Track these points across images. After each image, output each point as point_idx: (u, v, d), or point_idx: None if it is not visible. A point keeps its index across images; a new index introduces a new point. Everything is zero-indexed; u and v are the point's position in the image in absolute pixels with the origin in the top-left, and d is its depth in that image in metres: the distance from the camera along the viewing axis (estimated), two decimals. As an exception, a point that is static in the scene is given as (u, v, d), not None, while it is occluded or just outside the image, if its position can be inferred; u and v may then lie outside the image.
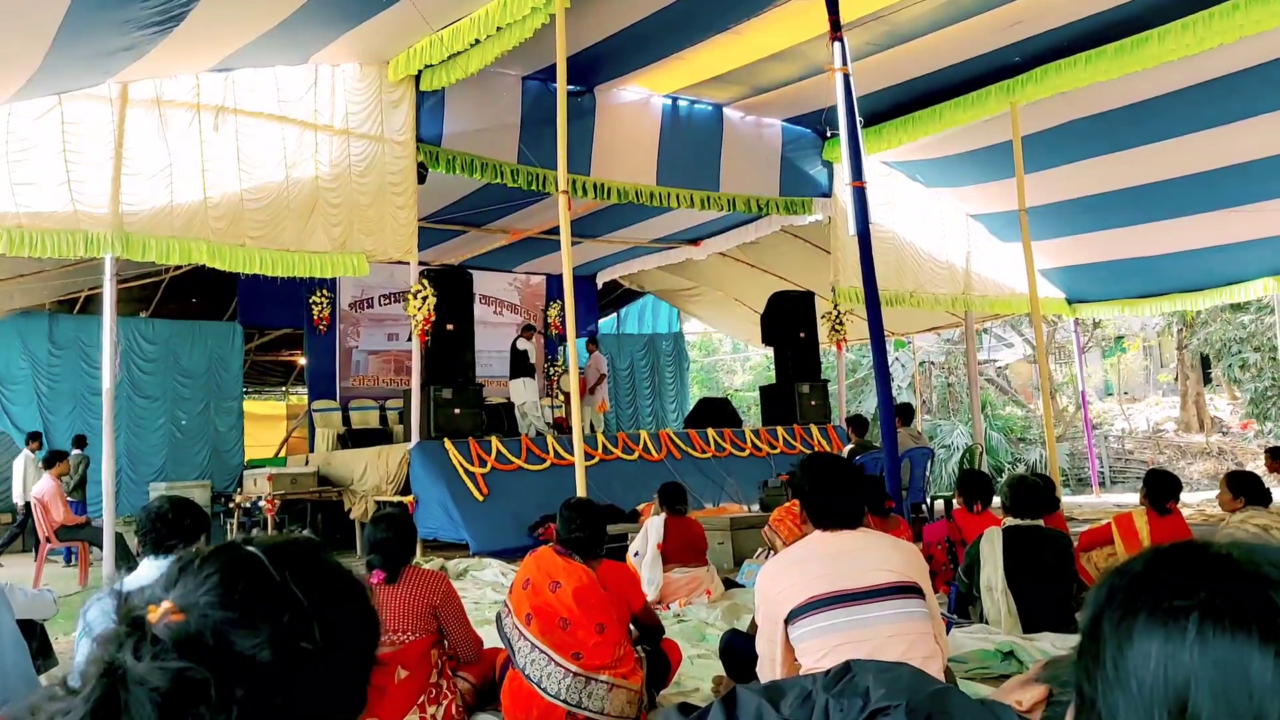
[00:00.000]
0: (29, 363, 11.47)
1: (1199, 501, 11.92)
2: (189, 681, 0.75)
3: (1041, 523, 4.65)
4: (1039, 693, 1.83)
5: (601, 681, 3.40)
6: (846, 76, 6.42)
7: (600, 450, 10.28)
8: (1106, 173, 11.14)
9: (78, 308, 12.15)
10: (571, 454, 7.33)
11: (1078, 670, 0.75)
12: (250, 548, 0.86)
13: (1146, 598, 0.71)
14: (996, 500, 5.09)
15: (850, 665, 2.07)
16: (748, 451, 11.25)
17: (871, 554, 2.79)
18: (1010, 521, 4.66)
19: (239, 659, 0.78)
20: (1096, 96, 9.89)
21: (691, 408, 14.27)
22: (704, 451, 11.03)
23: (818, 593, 2.69)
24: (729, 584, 6.62)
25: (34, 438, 10.52)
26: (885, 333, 6.60)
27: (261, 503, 9.72)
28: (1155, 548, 0.75)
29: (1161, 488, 5.20)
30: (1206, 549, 0.72)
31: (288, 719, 0.80)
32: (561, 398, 14.49)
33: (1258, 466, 12.14)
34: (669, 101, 10.94)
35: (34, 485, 8.66)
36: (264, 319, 13.71)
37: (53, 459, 8.62)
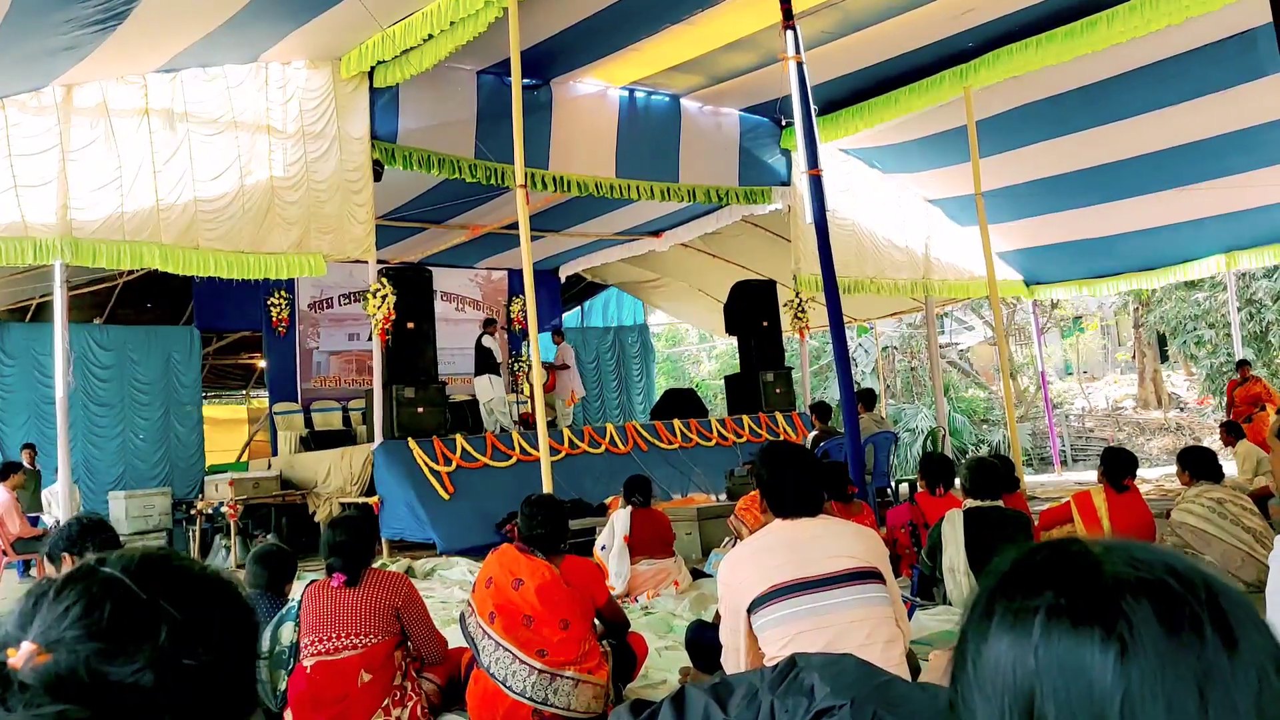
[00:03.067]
0: (-20, 373, 11.22)
1: (1158, 477, 12.14)
2: None
3: (1001, 503, 4.70)
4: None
5: (567, 678, 3.39)
6: (800, 65, 6.43)
7: (567, 445, 10.26)
8: (1060, 155, 11.28)
9: (29, 315, 11.90)
10: (538, 450, 7.30)
11: (952, 671, 0.75)
12: (106, 569, 0.79)
13: (1002, 598, 0.70)
14: (959, 483, 5.14)
15: (795, 660, 2.07)
16: (714, 441, 11.28)
17: (831, 541, 2.81)
18: (971, 503, 4.71)
19: (119, 689, 0.72)
20: (1049, 80, 10.01)
21: (658, 399, 14.29)
22: (670, 442, 11.04)
23: (779, 581, 2.71)
24: (696, 574, 6.64)
25: (26, 447, 10.42)
26: (846, 319, 6.65)
27: (224, 508, 9.59)
28: (1024, 548, 0.74)
29: (1118, 465, 5.28)
30: (1068, 548, 0.71)
31: None
32: (527, 392, 14.44)
33: (1214, 441, 12.38)
34: (626, 93, 10.91)
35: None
36: (221, 322, 13.50)
37: (6, 470, 8.45)
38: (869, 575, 2.78)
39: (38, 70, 7.41)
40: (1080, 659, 0.65)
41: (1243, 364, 12.33)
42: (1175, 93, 9.92)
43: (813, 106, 6.46)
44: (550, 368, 13.79)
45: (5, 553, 8.16)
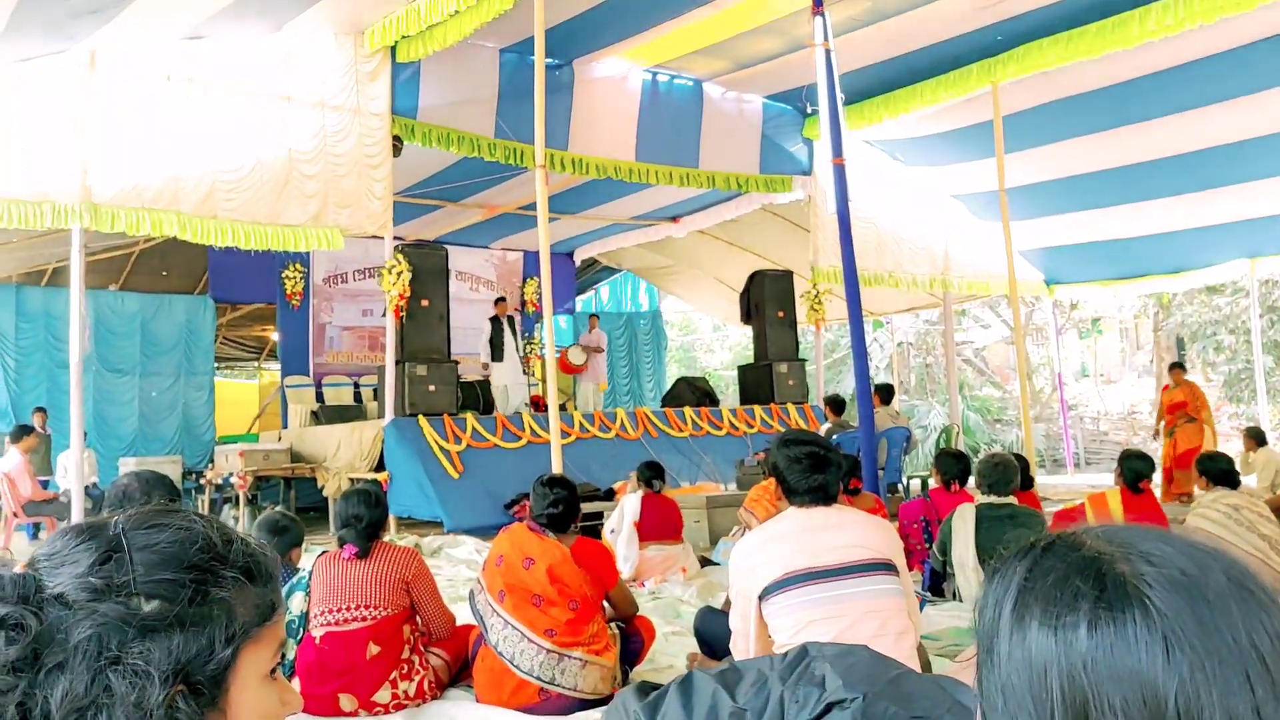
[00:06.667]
0: (-5, 335, 11.26)
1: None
2: None
3: (1014, 500, 4.66)
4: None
5: (574, 658, 3.38)
6: (828, 52, 6.35)
7: (577, 429, 10.24)
8: (1086, 153, 11.16)
9: (45, 279, 11.92)
10: (548, 432, 7.28)
11: (978, 675, 0.75)
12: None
13: (1035, 601, 0.70)
14: (973, 481, 5.09)
15: (807, 650, 2.04)
16: (725, 431, 11.24)
17: (846, 531, 2.78)
18: (983, 499, 4.67)
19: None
20: (1077, 77, 9.89)
21: (669, 387, 14.26)
22: (681, 430, 11.01)
23: (792, 569, 2.69)
24: (704, 562, 6.62)
25: (38, 411, 10.48)
26: (863, 312, 6.58)
27: (233, 479, 9.61)
28: (1033, 543, 0.75)
29: (1135, 468, 5.22)
30: (1083, 543, 0.72)
31: None
32: (539, 375, 14.43)
33: (1230, 447, 12.27)
34: (649, 77, 10.83)
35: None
36: (236, 293, 13.52)
37: (19, 433, 8.48)
38: (882, 567, 2.76)
39: (62, 33, 7.38)
40: (1130, 660, 0.64)
41: (1175, 367, 11.55)
42: (1204, 95, 9.80)
43: (839, 95, 6.39)
44: (588, 349, 13.80)
45: (16, 515, 8.20)
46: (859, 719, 1.80)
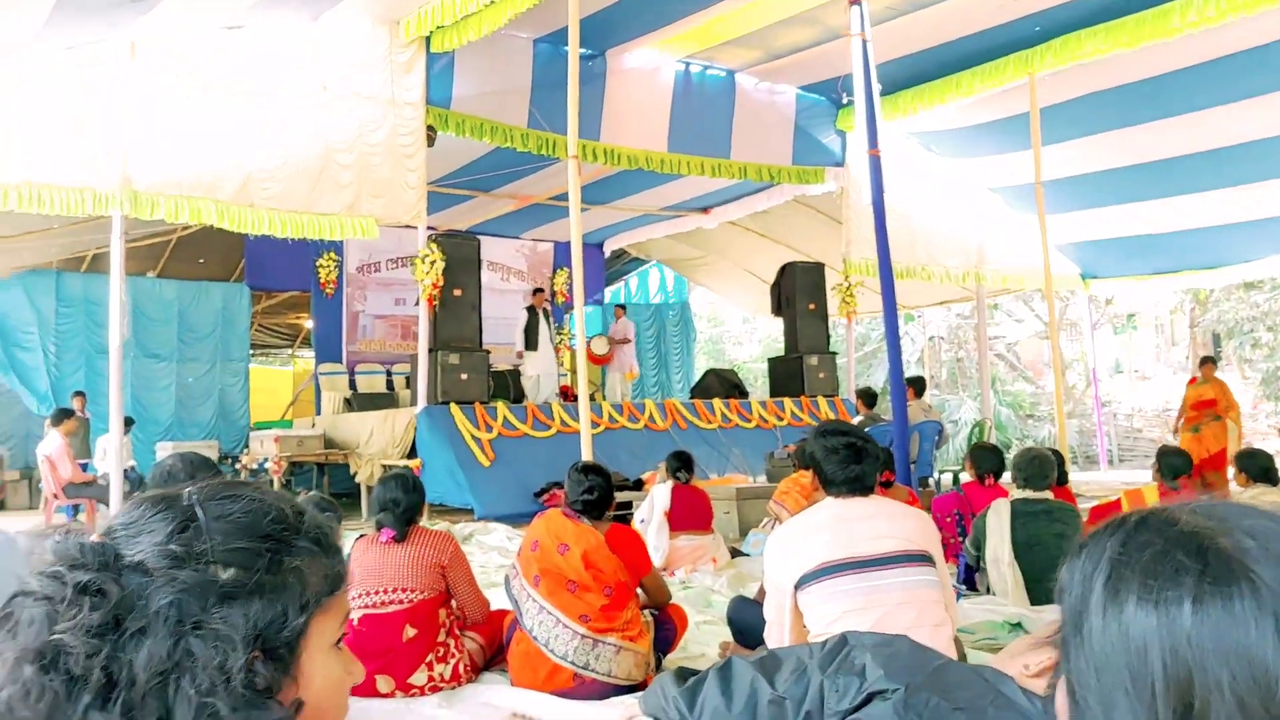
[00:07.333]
0: (36, 320, 11.45)
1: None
2: None
3: (1050, 495, 4.62)
4: (1050, 657, 1.79)
5: (609, 644, 3.40)
6: (865, 42, 6.31)
7: (606, 419, 10.26)
8: (1124, 146, 11.01)
9: (85, 266, 12.12)
10: (577, 421, 7.31)
11: (1064, 655, 0.73)
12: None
13: (1132, 578, 0.68)
14: (1008, 476, 5.06)
15: (846, 639, 2.03)
16: (754, 423, 11.22)
17: (883, 521, 2.78)
18: (1019, 493, 4.64)
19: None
20: (1116, 69, 9.75)
21: (698, 378, 14.25)
22: (710, 422, 11.00)
23: (828, 559, 2.69)
24: (734, 553, 6.62)
25: (77, 394, 10.66)
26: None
27: (268, 464, 9.74)
28: (1122, 519, 0.73)
29: (1173, 464, 5.17)
30: (1177, 519, 0.70)
31: None
32: (568, 365, 14.48)
33: (1267, 445, 12.09)
34: (681, 67, 10.82)
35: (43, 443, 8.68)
36: (271, 281, 13.67)
37: (60, 416, 8.63)
38: (919, 558, 2.75)
39: (104, 22, 7.49)
40: (1238, 636, 0.63)
41: (1206, 361, 11.26)
42: (1245, 88, 9.62)
43: (876, 85, 6.34)
44: (613, 341, 13.81)
45: (56, 496, 8.35)
46: (900, 710, 1.79)
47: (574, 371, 12.02)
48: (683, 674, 2.30)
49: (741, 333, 26.40)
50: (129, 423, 10.37)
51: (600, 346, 13.74)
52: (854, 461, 2.79)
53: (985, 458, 5.33)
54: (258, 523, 0.81)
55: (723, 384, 12.29)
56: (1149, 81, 9.90)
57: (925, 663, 1.94)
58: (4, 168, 7.24)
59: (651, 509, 6.24)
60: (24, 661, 0.70)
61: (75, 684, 0.70)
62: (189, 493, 0.83)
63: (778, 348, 14.26)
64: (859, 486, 2.80)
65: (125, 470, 8.05)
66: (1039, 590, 4.39)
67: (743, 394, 12.23)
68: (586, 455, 6.66)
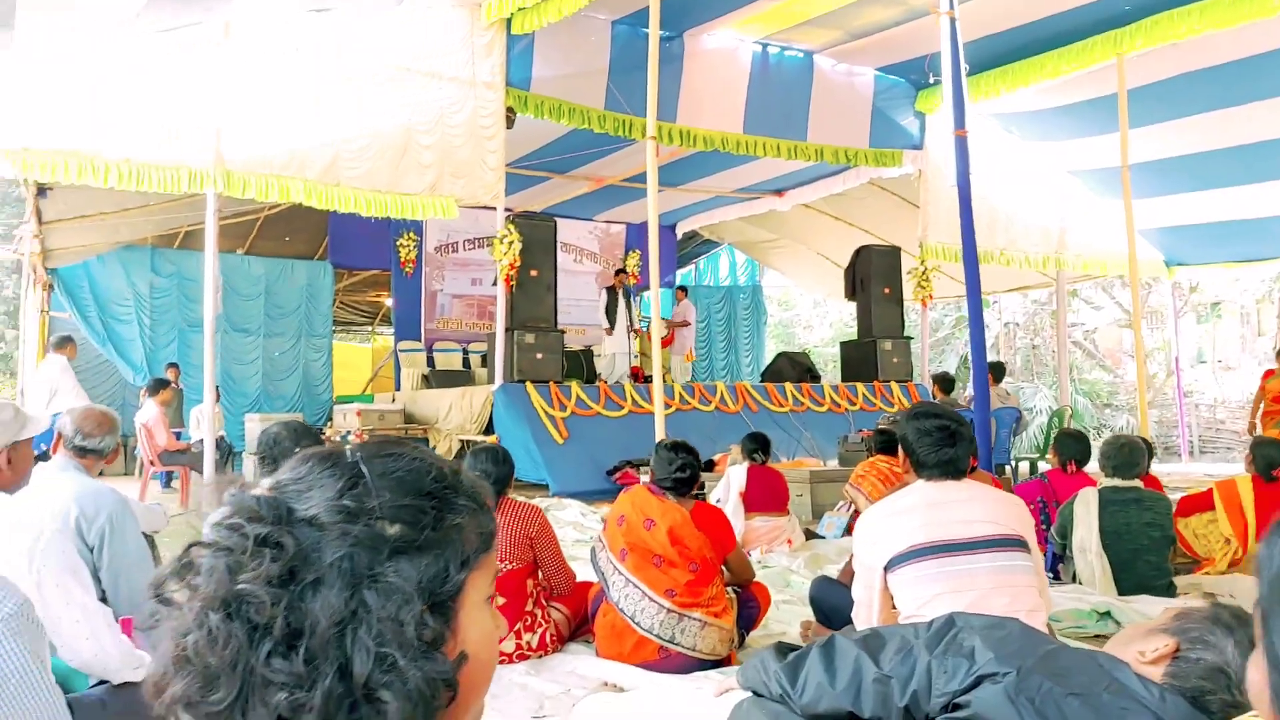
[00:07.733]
0: (133, 294, 11.92)
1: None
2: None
3: (1140, 484, 4.55)
4: (1167, 644, 1.78)
5: (694, 619, 3.46)
6: (953, 20, 6.22)
7: (678, 400, 10.32)
8: (1215, 129, 10.64)
9: (178, 242, 12.55)
10: (649, 402, 7.37)
11: (1263, 621, 0.73)
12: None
13: None
14: (1094, 464, 4.98)
15: (954, 620, 2.03)
16: (826, 407, 11.17)
17: (975, 505, 2.77)
18: (1107, 482, 4.57)
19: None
20: (1208, 49, 9.42)
21: (768, 362, 14.21)
22: (781, 405, 10.99)
23: (919, 541, 2.68)
24: (809, 535, 6.63)
25: (171, 366, 11.09)
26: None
27: (351, 436, 10.01)
28: None
29: (1268, 455, 5.03)
30: None
31: None
32: (640, 347, 14.56)
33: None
34: (759, 48, 10.75)
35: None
36: (353, 260, 14.00)
37: (156, 386, 8.99)
38: (1013, 542, 2.73)
39: (199, 5, 7.73)
40: None
41: None
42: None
43: (964, 65, 6.25)
44: (671, 324, 13.86)
45: (153, 463, 8.71)
46: (1012, 694, 1.79)
47: (644, 354, 12.11)
48: (783, 649, 2.33)
49: (812, 316, 26.16)
50: (217, 394, 10.74)
51: (660, 329, 13.78)
52: (947, 445, 2.78)
53: (1070, 445, 5.25)
54: (421, 480, 0.84)
55: (794, 367, 12.25)
56: (1243, 61, 9.55)
57: (1037, 646, 1.92)
58: (106, 146, 7.53)
59: (728, 489, 6.27)
60: (209, 609, 0.73)
61: (258, 632, 0.73)
62: (352, 449, 0.87)
63: (848, 332, 14.17)
64: (952, 470, 2.78)
65: (216, 440, 8.35)
66: (1126, 578, 4.33)
67: (815, 378, 12.18)
68: (660, 435, 6.72)
